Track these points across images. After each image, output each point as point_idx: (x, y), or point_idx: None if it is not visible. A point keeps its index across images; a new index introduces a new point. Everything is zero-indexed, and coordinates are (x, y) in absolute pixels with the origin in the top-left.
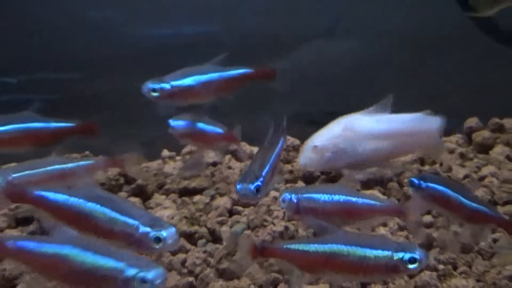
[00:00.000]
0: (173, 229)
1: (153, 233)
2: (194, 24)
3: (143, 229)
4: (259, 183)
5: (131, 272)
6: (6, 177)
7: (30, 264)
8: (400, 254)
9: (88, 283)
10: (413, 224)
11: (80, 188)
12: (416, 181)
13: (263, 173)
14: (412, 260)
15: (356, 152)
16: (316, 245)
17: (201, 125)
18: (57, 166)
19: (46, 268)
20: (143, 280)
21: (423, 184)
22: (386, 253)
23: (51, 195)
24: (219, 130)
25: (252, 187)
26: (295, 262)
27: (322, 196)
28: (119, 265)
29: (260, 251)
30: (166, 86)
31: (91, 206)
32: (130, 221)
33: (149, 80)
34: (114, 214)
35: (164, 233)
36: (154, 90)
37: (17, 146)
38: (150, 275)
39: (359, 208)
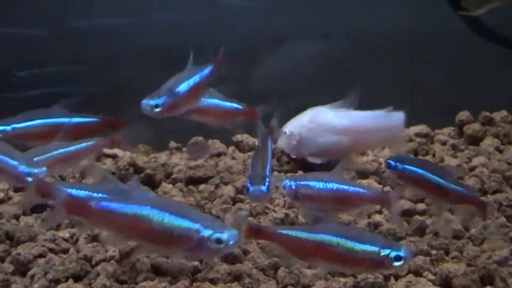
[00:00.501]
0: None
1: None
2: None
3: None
4: (268, 183)
5: (206, 232)
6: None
7: (110, 224)
8: (387, 251)
9: (165, 242)
10: (395, 214)
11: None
12: (392, 162)
13: (267, 173)
14: (398, 258)
15: (317, 143)
16: (308, 233)
17: (218, 101)
18: (61, 150)
19: (126, 228)
20: (218, 241)
21: (399, 165)
22: (374, 248)
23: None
24: (238, 106)
25: (264, 188)
26: (286, 246)
27: (317, 184)
28: (195, 225)
29: (255, 232)
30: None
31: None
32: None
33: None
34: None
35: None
36: (156, 106)
37: (46, 140)
38: (225, 236)
39: (349, 196)
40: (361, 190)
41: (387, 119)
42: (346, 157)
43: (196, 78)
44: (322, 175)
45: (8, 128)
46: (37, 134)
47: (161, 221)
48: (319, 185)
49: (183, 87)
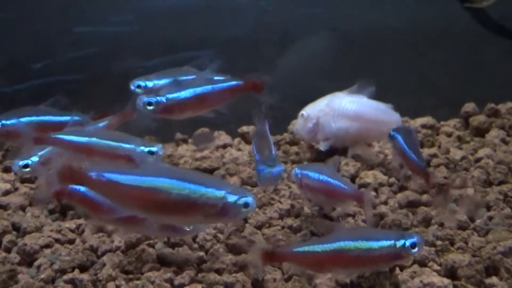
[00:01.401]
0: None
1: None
2: None
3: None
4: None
5: (232, 198)
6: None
7: (124, 198)
8: (402, 241)
9: (188, 212)
10: (368, 211)
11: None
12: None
13: (275, 155)
14: (413, 245)
15: (330, 128)
16: (323, 245)
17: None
18: None
19: (143, 202)
20: (245, 205)
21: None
22: (389, 242)
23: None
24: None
25: (276, 171)
26: (305, 264)
27: (313, 174)
28: (220, 192)
29: (271, 256)
30: (162, 99)
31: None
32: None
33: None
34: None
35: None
36: (149, 103)
37: None
38: (250, 200)
39: (333, 189)
40: (341, 184)
41: (387, 114)
42: (354, 144)
43: (206, 88)
44: (319, 166)
45: None
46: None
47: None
48: (314, 175)
49: (185, 93)
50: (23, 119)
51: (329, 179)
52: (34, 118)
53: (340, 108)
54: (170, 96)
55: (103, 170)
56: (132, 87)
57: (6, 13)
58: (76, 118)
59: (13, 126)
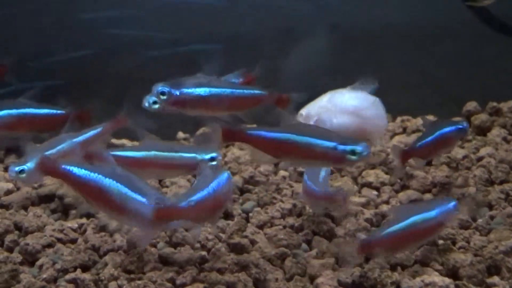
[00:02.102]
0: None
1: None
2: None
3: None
4: None
5: (342, 147)
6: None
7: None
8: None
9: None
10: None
11: None
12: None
13: None
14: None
15: (331, 123)
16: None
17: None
18: (75, 140)
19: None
20: (355, 153)
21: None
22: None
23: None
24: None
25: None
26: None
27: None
28: (332, 144)
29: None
30: (176, 91)
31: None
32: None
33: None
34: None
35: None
36: (163, 93)
37: (11, 131)
38: (359, 148)
39: (306, 189)
40: (311, 186)
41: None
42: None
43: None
44: None
45: None
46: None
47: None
48: None
49: (200, 90)
50: (1, 112)
51: (305, 180)
52: (13, 111)
53: (341, 104)
54: (185, 90)
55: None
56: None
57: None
58: (55, 111)
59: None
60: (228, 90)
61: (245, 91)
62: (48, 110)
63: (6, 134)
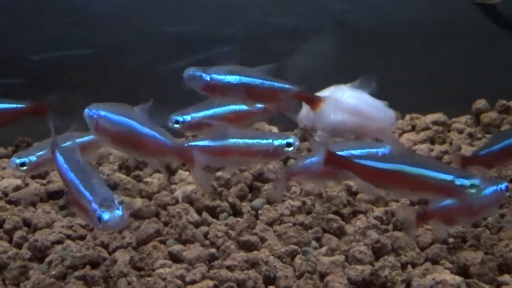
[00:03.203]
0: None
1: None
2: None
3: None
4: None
5: (461, 181)
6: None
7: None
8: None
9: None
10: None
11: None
12: None
13: None
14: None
15: (329, 120)
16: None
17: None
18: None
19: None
20: (473, 186)
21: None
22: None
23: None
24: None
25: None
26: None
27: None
28: (449, 177)
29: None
30: (206, 77)
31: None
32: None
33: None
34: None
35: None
36: (193, 78)
37: None
38: (477, 181)
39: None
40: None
41: (382, 112)
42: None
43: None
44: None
45: None
46: None
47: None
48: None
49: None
50: None
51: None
52: None
53: (340, 101)
54: (216, 76)
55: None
56: (170, 124)
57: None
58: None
59: None
60: (258, 81)
61: (275, 84)
62: (6, 104)
63: None
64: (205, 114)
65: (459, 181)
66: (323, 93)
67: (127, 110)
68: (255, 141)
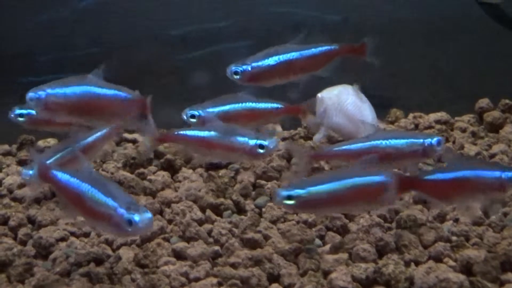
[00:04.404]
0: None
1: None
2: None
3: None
4: None
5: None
6: None
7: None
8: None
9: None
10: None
11: None
12: None
13: None
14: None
15: (332, 120)
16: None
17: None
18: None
19: None
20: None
21: None
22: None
23: None
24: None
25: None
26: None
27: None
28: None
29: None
30: (247, 67)
31: None
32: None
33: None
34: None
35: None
36: (236, 73)
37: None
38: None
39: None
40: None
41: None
42: None
43: (292, 55)
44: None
45: None
46: None
47: None
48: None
49: (269, 60)
50: None
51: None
52: None
53: (344, 104)
54: (256, 64)
55: None
56: (185, 117)
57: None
58: None
59: None
60: (296, 54)
61: (313, 49)
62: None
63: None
64: (222, 109)
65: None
66: (334, 89)
67: (70, 80)
68: (233, 138)
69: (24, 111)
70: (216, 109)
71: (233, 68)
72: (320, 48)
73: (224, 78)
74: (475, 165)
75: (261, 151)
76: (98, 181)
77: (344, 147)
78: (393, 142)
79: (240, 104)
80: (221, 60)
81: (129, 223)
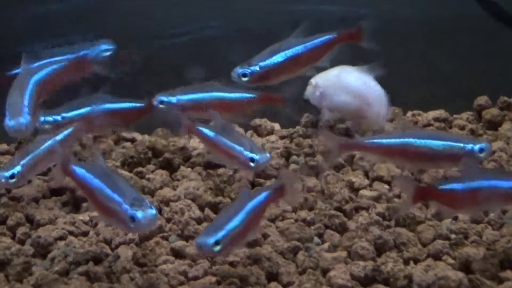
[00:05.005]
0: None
1: None
2: None
3: None
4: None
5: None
6: None
7: None
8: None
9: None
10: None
11: None
12: None
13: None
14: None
15: (333, 99)
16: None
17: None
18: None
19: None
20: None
21: None
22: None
23: None
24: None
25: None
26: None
27: None
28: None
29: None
30: (255, 68)
31: None
32: None
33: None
34: None
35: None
36: (244, 75)
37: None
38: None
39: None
40: None
41: (381, 99)
42: (353, 119)
43: (296, 49)
44: None
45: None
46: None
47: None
48: None
49: (276, 58)
50: None
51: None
52: None
53: (346, 82)
54: (263, 63)
55: None
56: (155, 103)
57: None
58: None
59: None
60: (300, 47)
61: (315, 41)
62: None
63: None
64: (191, 97)
65: None
66: (330, 72)
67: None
68: (231, 144)
69: (50, 118)
70: (186, 97)
71: (240, 70)
72: (321, 39)
73: (223, 76)
74: (492, 174)
75: (252, 164)
76: (108, 175)
77: (375, 140)
78: (429, 142)
79: (210, 94)
80: (221, 58)
81: (132, 219)
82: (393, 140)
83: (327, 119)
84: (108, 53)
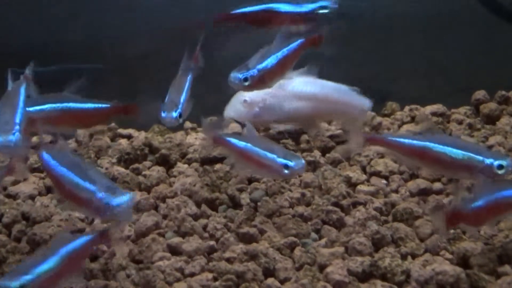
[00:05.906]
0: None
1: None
2: None
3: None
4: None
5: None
6: None
7: None
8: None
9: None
10: None
11: None
12: None
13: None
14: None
15: (283, 109)
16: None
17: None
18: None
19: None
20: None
21: None
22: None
23: None
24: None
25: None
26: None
27: None
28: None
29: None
30: (254, 71)
31: None
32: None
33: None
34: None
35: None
36: (245, 79)
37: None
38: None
39: None
40: None
41: (351, 96)
42: (310, 124)
43: (284, 52)
44: None
45: None
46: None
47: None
48: None
49: (271, 60)
50: None
51: None
52: None
53: (292, 89)
54: (260, 66)
55: None
56: None
57: None
58: None
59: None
60: (286, 50)
61: (299, 41)
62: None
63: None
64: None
65: None
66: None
67: None
68: (263, 152)
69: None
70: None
71: (239, 75)
72: (297, 42)
73: (219, 72)
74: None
75: (286, 171)
76: (77, 165)
77: (398, 139)
78: (449, 150)
79: (60, 104)
80: (219, 57)
81: (107, 206)
82: (414, 142)
83: (281, 130)
84: None
